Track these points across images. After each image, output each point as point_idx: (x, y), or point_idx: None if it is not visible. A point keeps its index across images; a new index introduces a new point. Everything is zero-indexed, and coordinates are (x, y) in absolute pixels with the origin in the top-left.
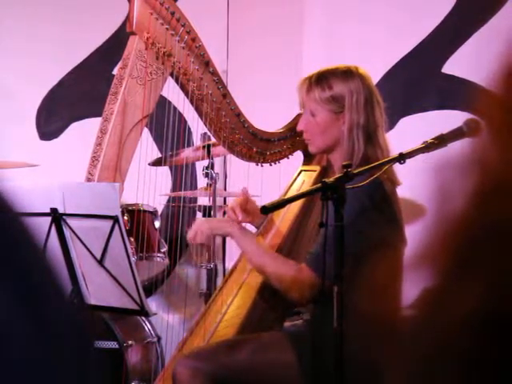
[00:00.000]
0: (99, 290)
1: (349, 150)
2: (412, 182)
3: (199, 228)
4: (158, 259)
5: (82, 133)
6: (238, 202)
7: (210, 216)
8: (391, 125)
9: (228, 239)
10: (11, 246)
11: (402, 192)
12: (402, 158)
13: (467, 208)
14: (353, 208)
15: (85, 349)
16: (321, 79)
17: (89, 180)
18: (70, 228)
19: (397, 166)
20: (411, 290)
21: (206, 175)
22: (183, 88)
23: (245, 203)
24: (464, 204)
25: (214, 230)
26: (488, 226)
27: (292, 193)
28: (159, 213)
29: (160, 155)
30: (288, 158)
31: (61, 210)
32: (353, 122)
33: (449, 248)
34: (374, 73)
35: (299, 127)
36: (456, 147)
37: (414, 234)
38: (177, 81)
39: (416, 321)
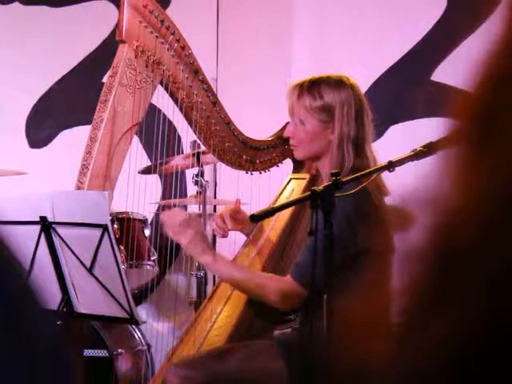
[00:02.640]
0: (89, 299)
1: (338, 162)
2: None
3: (183, 238)
4: (148, 267)
5: (72, 141)
6: (229, 211)
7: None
8: (380, 133)
9: (217, 247)
10: None
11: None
12: (391, 166)
13: (426, 242)
14: (338, 217)
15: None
16: (312, 87)
17: (79, 188)
18: (60, 236)
19: (387, 175)
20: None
21: (196, 183)
22: (173, 96)
23: (235, 212)
24: (422, 238)
25: (190, 253)
26: (447, 261)
27: (282, 201)
28: (149, 221)
29: (150, 163)
30: (278, 166)
31: (50, 219)
32: (343, 134)
33: (411, 286)
34: (363, 81)
35: (286, 133)
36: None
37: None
38: (166, 89)
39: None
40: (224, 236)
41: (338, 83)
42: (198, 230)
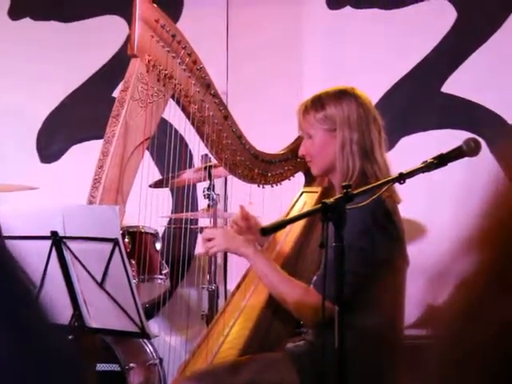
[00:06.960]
0: (100, 313)
1: (343, 167)
2: (413, 201)
3: (216, 242)
4: (160, 281)
5: (82, 155)
6: (239, 216)
7: None
8: (391, 144)
9: (229, 261)
10: None
11: (402, 211)
12: (401, 177)
13: None
14: (356, 227)
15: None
16: (315, 101)
17: (91, 202)
18: (71, 251)
19: (398, 185)
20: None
21: (207, 196)
22: (184, 110)
23: (245, 218)
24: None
25: (230, 249)
26: None
27: (293, 214)
28: (160, 234)
29: (161, 177)
30: (289, 179)
31: (61, 233)
32: (345, 138)
33: None
34: (374, 92)
35: (300, 152)
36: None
37: (416, 253)
38: (178, 103)
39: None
40: None
41: (340, 94)
42: (225, 230)
